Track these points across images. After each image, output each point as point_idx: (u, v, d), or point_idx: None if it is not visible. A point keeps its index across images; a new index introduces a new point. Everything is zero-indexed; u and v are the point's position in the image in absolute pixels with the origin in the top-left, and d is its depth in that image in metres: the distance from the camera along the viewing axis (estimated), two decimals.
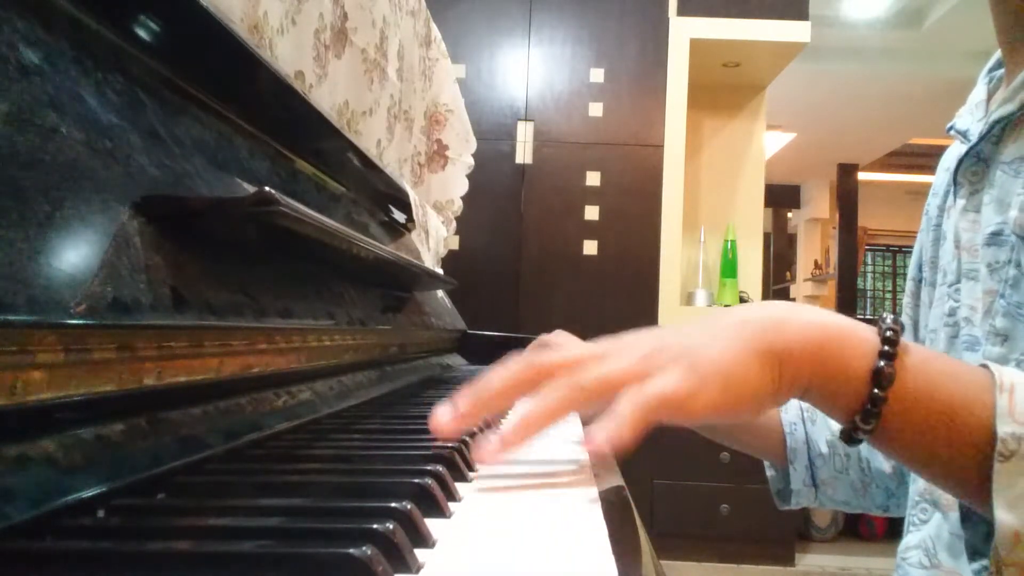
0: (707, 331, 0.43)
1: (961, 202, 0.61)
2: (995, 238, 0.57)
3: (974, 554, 0.54)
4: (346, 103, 1.06)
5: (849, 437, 0.43)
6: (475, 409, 0.43)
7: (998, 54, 0.64)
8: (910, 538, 0.64)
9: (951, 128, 0.65)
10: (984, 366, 0.42)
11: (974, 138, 0.60)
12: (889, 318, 0.43)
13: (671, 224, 2.69)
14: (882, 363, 0.41)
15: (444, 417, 0.43)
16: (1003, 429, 0.39)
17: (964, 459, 0.41)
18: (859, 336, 0.43)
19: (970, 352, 0.58)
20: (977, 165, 0.60)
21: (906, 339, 0.43)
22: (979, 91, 0.65)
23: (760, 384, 0.41)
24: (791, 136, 6.37)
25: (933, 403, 0.41)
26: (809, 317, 0.43)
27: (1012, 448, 0.38)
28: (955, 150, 0.71)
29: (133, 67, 0.45)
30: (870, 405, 0.41)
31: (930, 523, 0.61)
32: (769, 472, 0.80)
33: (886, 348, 0.41)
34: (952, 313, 0.62)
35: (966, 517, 0.50)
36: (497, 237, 2.72)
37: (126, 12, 0.46)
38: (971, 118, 0.64)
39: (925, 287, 0.72)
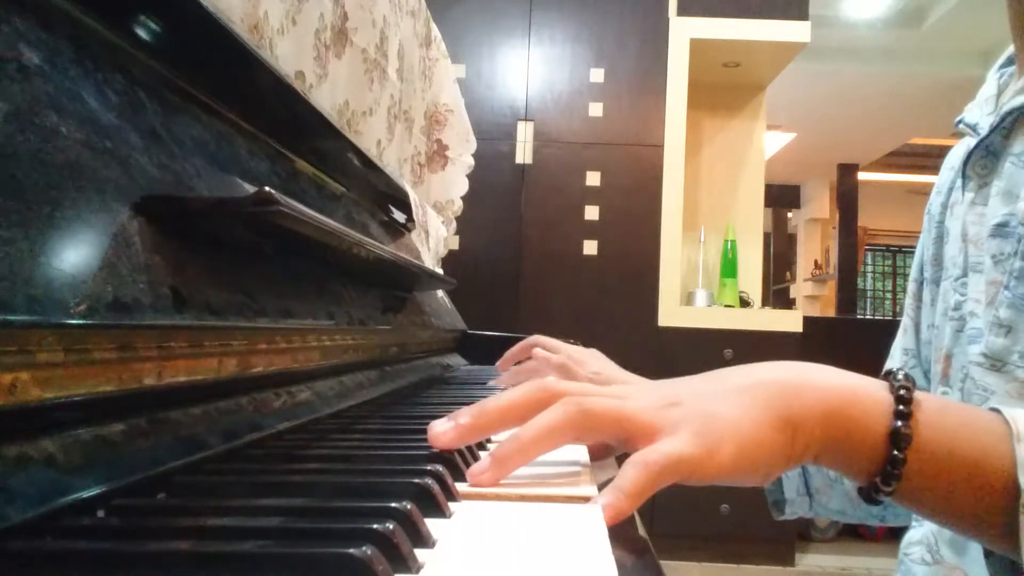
0: (722, 389, 0.42)
1: (969, 195, 0.61)
2: (1000, 229, 0.57)
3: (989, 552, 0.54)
4: (346, 103, 1.06)
5: (869, 496, 0.43)
6: (478, 427, 0.42)
7: (1009, 51, 0.64)
8: (912, 534, 0.64)
9: (960, 122, 0.65)
10: (996, 411, 0.42)
11: (984, 131, 0.60)
12: (900, 374, 0.43)
13: (671, 224, 2.69)
14: (899, 423, 0.40)
15: (442, 430, 0.42)
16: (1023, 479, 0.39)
17: (987, 510, 0.41)
18: (872, 397, 0.42)
19: (975, 346, 0.58)
20: (987, 158, 0.60)
21: (918, 393, 0.42)
22: (989, 87, 0.65)
23: (773, 450, 0.40)
24: (791, 136, 6.37)
25: (952, 458, 0.41)
26: (823, 381, 0.43)
27: None
28: (961, 147, 0.70)
29: (133, 67, 0.45)
30: (890, 467, 0.41)
31: None
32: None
33: (900, 408, 0.41)
34: (958, 307, 0.62)
35: (988, 553, 0.51)
36: (497, 237, 2.72)
37: (126, 12, 0.46)
38: (980, 112, 0.63)
39: (927, 286, 0.72)
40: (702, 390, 0.42)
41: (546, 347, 0.85)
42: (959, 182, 0.64)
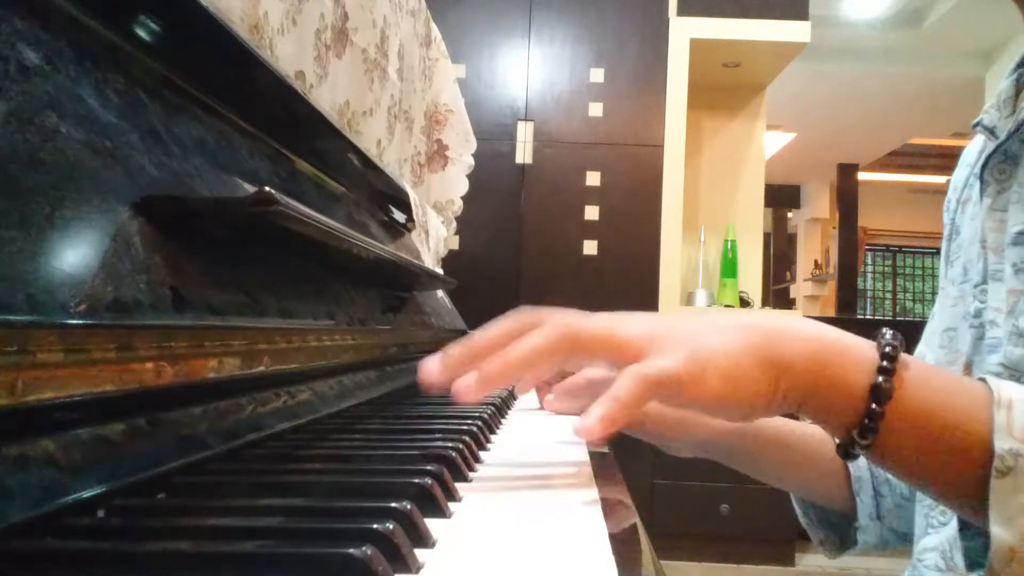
0: (709, 325, 0.42)
1: (988, 201, 0.60)
2: (1021, 237, 0.56)
3: (972, 564, 0.54)
4: (346, 103, 1.06)
5: (846, 452, 0.43)
6: (465, 357, 0.42)
7: None
8: (928, 540, 0.63)
9: (977, 124, 0.64)
10: (983, 380, 0.42)
11: (1002, 135, 0.59)
12: (889, 333, 0.43)
13: (671, 224, 2.69)
14: (880, 379, 0.41)
15: (432, 365, 0.42)
16: (1000, 445, 0.39)
17: (962, 474, 0.41)
18: (858, 351, 0.42)
19: (995, 355, 0.58)
20: (1005, 163, 0.59)
21: (905, 355, 0.42)
22: (1006, 87, 0.63)
23: (757, 388, 0.41)
24: (791, 136, 6.36)
25: (931, 419, 0.41)
26: (810, 331, 0.43)
27: (1009, 464, 0.38)
28: (976, 145, 0.69)
29: (133, 67, 0.45)
30: (867, 420, 0.41)
31: (949, 526, 0.60)
32: (804, 521, 0.76)
33: (885, 364, 0.41)
34: (978, 315, 0.61)
35: (964, 526, 0.50)
36: (497, 237, 2.72)
37: (126, 12, 0.46)
38: (998, 114, 0.62)
39: (942, 285, 0.71)
40: (689, 324, 0.43)
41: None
42: (976, 185, 0.63)
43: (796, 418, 0.55)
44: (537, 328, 0.41)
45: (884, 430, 0.41)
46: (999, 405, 0.40)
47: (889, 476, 0.69)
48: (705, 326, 0.42)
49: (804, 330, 0.43)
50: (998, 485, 0.38)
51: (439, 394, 0.44)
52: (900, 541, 0.72)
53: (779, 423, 0.68)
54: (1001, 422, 0.39)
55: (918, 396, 0.41)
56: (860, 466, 0.71)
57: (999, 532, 0.38)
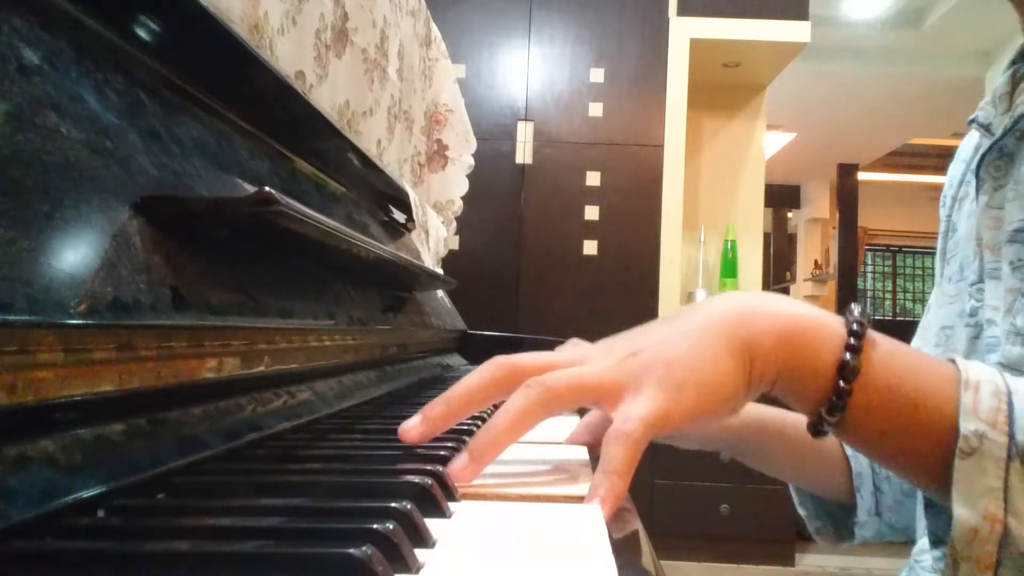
0: (676, 331, 0.42)
1: (984, 198, 0.60)
2: (1019, 235, 0.56)
3: (936, 542, 0.54)
4: (346, 103, 1.06)
5: (815, 429, 0.43)
6: (445, 415, 0.43)
7: (1021, 44, 0.62)
8: (925, 541, 0.63)
9: (973, 121, 0.63)
10: (952, 361, 0.42)
11: (998, 132, 0.59)
12: (856, 310, 0.43)
13: (671, 224, 2.69)
14: (848, 356, 0.41)
15: (411, 424, 0.42)
16: (965, 426, 0.39)
17: (927, 453, 0.41)
18: (826, 328, 0.43)
19: (993, 354, 0.57)
20: (1001, 160, 0.59)
21: (873, 332, 0.43)
22: (1001, 83, 0.63)
23: (733, 382, 0.41)
24: (791, 136, 6.36)
25: (898, 397, 0.41)
26: (776, 308, 0.43)
27: (973, 445, 0.38)
28: (972, 141, 0.69)
29: (133, 67, 0.45)
30: (835, 398, 0.41)
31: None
32: (802, 511, 0.76)
33: (852, 341, 0.41)
34: (974, 313, 0.61)
35: (928, 505, 0.50)
36: (497, 237, 2.72)
37: (126, 12, 0.46)
38: (993, 111, 0.62)
39: (937, 283, 0.71)
40: (657, 336, 0.43)
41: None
42: (973, 182, 0.63)
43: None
44: (512, 381, 0.42)
45: (851, 407, 0.41)
46: (966, 386, 0.40)
47: (890, 472, 0.69)
48: (673, 331, 0.42)
49: (770, 307, 0.43)
50: (962, 466, 0.38)
51: (439, 395, 0.44)
52: (897, 535, 0.72)
53: (782, 416, 0.68)
54: (968, 403, 0.39)
55: (885, 374, 0.41)
56: (861, 462, 0.71)
57: (961, 512, 0.38)
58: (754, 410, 0.68)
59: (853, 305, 0.44)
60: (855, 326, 0.42)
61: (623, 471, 0.37)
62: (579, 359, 0.43)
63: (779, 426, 0.68)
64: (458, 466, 0.40)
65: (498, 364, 0.43)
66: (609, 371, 0.41)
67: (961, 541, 0.38)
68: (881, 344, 0.42)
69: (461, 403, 0.43)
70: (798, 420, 0.69)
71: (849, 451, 0.72)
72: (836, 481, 0.72)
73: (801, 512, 0.77)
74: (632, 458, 0.38)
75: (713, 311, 0.43)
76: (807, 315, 0.43)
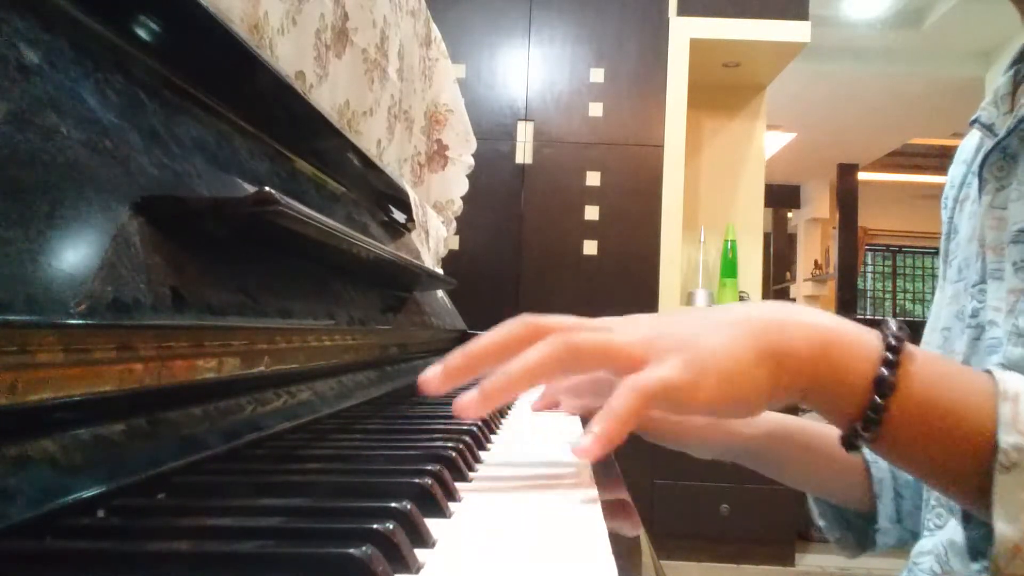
0: (708, 323, 0.42)
1: (987, 199, 0.60)
2: (1022, 235, 0.55)
3: (976, 555, 0.54)
4: (346, 103, 1.06)
5: (849, 443, 0.42)
6: (465, 367, 0.42)
7: (1022, 45, 0.62)
8: (924, 543, 0.63)
9: (975, 121, 0.63)
10: (988, 372, 0.42)
11: (1000, 132, 0.58)
12: (894, 324, 0.42)
13: (671, 224, 2.69)
14: (884, 371, 0.40)
15: (432, 374, 0.42)
16: (1005, 439, 0.38)
17: (966, 468, 0.40)
18: (862, 341, 0.42)
19: (994, 356, 0.57)
20: (1004, 160, 0.59)
21: (910, 345, 0.42)
22: (1003, 84, 0.63)
23: (758, 384, 0.40)
24: (791, 136, 6.36)
25: (935, 411, 0.40)
26: (811, 319, 0.43)
27: (1014, 459, 0.38)
28: (972, 141, 0.69)
29: (133, 67, 0.45)
30: (871, 412, 0.40)
31: (945, 529, 0.60)
32: (821, 521, 0.75)
33: (889, 355, 0.40)
34: (975, 314, 0.60)
35: (967, 517, 0.50)
36: (497, 237, 2.72)
37: (126, 12, 0.46)
38: (996, 111, 0.62)
39: (939, 285, 0.70)
40: (688, 323, 0.42)
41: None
42: (974, 182, 0.62)
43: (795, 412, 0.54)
44: (536, 339, 0.41)
45: (887, 422, 0.40)
46: (1004, 398, 0.39)
47: (910, 478, 0.69)
48: (704, 324, 0.42)
49: (805, 319, 0.42)
50: (1003, 480, 0.38)
51: (438, 395, 0.44)
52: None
53: (799, 424, 0.68)
54: (1006, 416, 0.39)
55: (922, 388, 0.41)
56: (882, 468, 0.71)
57: (1004, 528, 0.37)
58: (775, 420, 0.67)
59: (890, 319, 0.43)
60: (892, 340, 0.41)
61: (624, 417, 0.37)
62: (607, 326, 0.43)
63: (804, 437, 0.67)
64: (466, 401, 0.40)
65: (523, 321, 0.43)
66: (636, 342, 0.41)
67: (1003, 557, 0.38)
68: (919, 358, 0.41)
69: (481, 355, 0.42)
70: (823, 431, 0.68)
71: (870, 456, 0.71)
72: (854, 487, 0.71)
73: (820, 523, 0.76)
74: (637, 408, 0.37)
75: (748, 314, 0.42)
76: (843, 329, 0.43)
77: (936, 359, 0.43)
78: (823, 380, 0.41)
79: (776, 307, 0.44)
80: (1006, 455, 0.38)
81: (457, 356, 0.42)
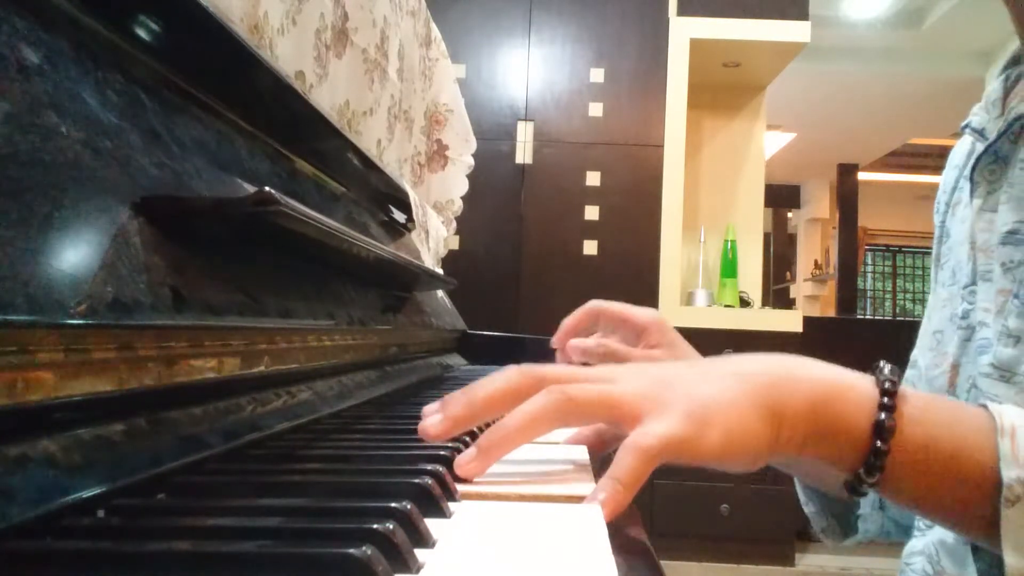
0: (707, 376, 0.42)
1: (978, 202, 0.60)
2: (1011, 237, 0.56)
3: (976, 549, 0.54)
4: (346, 103, 1.06)
5: (853, 489, 0.43)
6: (466, 417, 0.42)
7: (1012, 50, 0.62)
8: (914, 543, 0.63)
9: (966, 126, 0.64)
10: (983, 406, 0.42)
11: (991, 136, 0.59)
12: (887, 368, 0.43)
13: (671, 224, 2.69)
14: (883, 416, 0.41)
15: (431, 423, 0.42)
16: (1008, 474, 0.39)
17: (970, 504, 0.41)
18: (857, 390, 0.42)
19: (985, 356, 0.57)
20: (995, 164, 0.59)
21: (903, 387, 0.42)
22: (995, 88, 0.63)
23: (759, 439, 0.40)
24: (791, 136, 6.37)
25: (936, 451, 0.41)
26: (809, 374, 0.43)
27: (1018, 493, 0.38)
28: (964, 147, 0.69)
29: (133, 67, 0.45)
30: (873, 458, 0.41)
31: (935, 529, 0.61)
32: (808, 509, 0.75)
33: (885, 400, 0.41)
34: (966, 316, 0.61)
35: (975, 548, 0.50)
36: (497, 237, 2.72)
37: (126, 12, 0.46)
38: (987, 116, 0.62)
39: (933, 288, 0.71)
40: (690, 374, 0.42)
41: (609, 313, 0.74)
42: (966, 186, 0.63)
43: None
44: (535, 390, 0.41)
45: (889, 465, 0.41)
46: (1002, 433, 0.40)
47: None
48: (706, 374, 0.42)
49: (803, 373, 0.43)
50: (1008, 515, 0.38)
51: (439, 395, 0.44)
52: (902, 534, 0.72)
53: None
54: (1006, 451, 0.39)
55: (920, 429, 0.41)
56: None
57: (1013, 562, 0.38)
58: None
59: (883, 363, 0.44)
60: (886, 384, 0.41)
61: (629, 482, 0.37)
62: (606, 377, 0.42)
63: None
64: (465, 460, 0.40)
65: (523, 371, 0.42)
66: (636, 394, 0.40)
67: None
68: (913, 399, 0.42)
69: (484, 406, 0.42)
70: None
71: None
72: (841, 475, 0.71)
73: (807, 510, 0.77)
74: (642, 471, 0.37)
75: (746, 369, 0.43)
76: (837, 379, 0.43)
77: (931, 399, 0.44)
78: (823, 432, 0.42)
79: (774, 362, 0.44)
80: (1010, 489, 0.39)
81: (459, 405, 0.42)
